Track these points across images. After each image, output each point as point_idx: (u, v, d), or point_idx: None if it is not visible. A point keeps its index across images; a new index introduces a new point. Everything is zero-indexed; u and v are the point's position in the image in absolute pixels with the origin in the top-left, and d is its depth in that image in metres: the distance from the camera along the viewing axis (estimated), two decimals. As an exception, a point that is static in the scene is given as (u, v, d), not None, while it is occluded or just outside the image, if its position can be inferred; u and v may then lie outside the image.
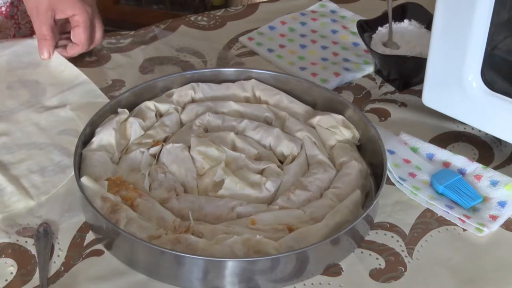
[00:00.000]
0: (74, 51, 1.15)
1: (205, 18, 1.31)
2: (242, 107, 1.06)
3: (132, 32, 1.26)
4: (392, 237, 0.92)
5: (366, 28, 1.21)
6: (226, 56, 1.23)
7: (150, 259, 0.85)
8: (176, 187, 0.94)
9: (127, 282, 0.85)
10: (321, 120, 1.04)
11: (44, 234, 0.89)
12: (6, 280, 0.84)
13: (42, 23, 1.12)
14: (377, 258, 0.89)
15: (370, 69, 1.20)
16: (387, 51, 1.17)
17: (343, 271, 0.88)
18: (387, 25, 1.20)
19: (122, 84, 1.14)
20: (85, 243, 0.89)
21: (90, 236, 0.90)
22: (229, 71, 1.11)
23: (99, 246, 0.89)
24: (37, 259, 0.86)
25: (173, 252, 0.83)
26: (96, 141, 0.97)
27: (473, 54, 0.97)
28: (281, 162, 1.00)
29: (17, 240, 0.89)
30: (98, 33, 1.17)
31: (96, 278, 0.85)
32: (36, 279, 0.84)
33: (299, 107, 1.07)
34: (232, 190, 0.93)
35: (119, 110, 1.01)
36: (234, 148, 1.00)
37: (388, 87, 1.17)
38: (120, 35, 1.25)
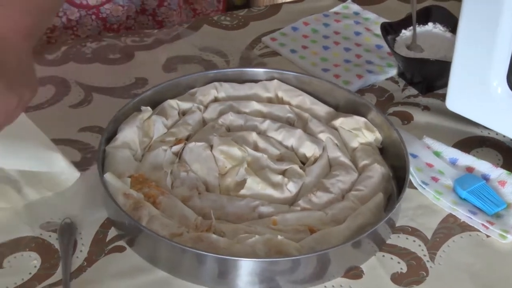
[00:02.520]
0: None
1: (228, 18, 1.32)
2: (264, 107, 1.07)
3: (155, 31, 1.27)
4: (414, 241, 0.92)
5: (390, 30, 1.21)
6: (249, 56, 1.23)
7: (172, 256, 0.86)
8: (198, 185, 0.95)
9: (149, 279, 0.86)
10: (344, 122, 1.05)
11: (68, 229, 0.90)
12: (30, 273, 0.85)
13: None
14: (399, 262, 0.89)
15: (393, 72, 1.21)
16: (411, 54, 1.17)
17: (364, 274, 0.88)
18: (411, 28, 1.20)
19: (145, 82, 1.15)
20: (107, 239, 0.90)
21: (112, 232, 0.91)
22: (252, 71, 1.12)
23: (121, 243, 0.90)
24: (60, 253, 0.88)
25: (195, 251, 0.83)
26: (119, 138, 0.98)
27: (499, 59, 0.97)
28: (303, 163, 1.01)
29: (41, 234, 0.90)
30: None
31: (118, 274, 0.86)
32: (59, 273, 0.85)
33: (322, 109, 1.08)
34: (254, 190, 0.94)
35: (143, 108, 1.02)
36: (256, 148, 1.00)
37: (411, 90, 1.17)
38: (144, 33, 1.26)
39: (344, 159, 1.00)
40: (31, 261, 0.87)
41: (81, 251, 0.89)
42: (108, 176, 0.91)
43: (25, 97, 0.83)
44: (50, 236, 0.90)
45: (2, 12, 0.84)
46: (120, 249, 0.89)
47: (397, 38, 1.21)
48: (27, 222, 0.91)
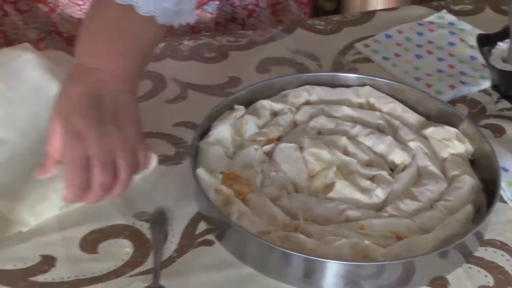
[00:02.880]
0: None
1: (322, 23, 1.33)
2: (355, 112, 1.08)
3: (250, 32, 1.29)
4: (502, 255, 0.91)
5: (486, 42, 1.20)
6: (341, 61, 1.24)
7: (259, 254, 0.88)
8: (287, 186, 0.96)
9: (236, 274, 0.88)
10: (435, 131, 1.04)
11: (160, 220, 0.92)
12: (123, 260, 0.88)
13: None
14: (486, 276, 0.89)
15: (486, 84, 1.20)
16: (507, 67, 1.15)
17: (449, 284, 0.88)
18: (508, 40, 1.19)
19: (238, 81, 1.17)
20: (197, 232, 0.92)
21: (202, 226, 0.93)
22: (345, 76, 1.12)
23: (210, 237, 0.92)
24: (151, 243, 0.90)
25: (282, 249, 0.84)
26: (212, 135, 1.00)
27: None
28: (392, 170, 1.01)
29: (134, 223, 0.93)
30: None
31: (207, 267, 0.88)
32: (150, 262, 0.88)
33: (413, 117, 1.08)
34: (342, 194, 0.95)
35: (236, 106, 1.04)
36: (346, 152, 1.01)
37: (505, 104, 1.16)
38: (239, 34, 1.28)
39: (433, 168, 0.99)
40: (124, 248, 0.90)
41: (171, 242, 0.91)
42: (200, 172, 0.93)
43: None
44: (142, 225, 0.93)
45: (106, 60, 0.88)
46: (209, 243, 0.91)
47: (493, 50, 1.19)
48: (122, 211, 0.94)
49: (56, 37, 1.34)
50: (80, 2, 1.28)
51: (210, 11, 1.33)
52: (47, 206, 0.93)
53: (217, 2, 1.32)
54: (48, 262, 0.87)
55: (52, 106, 0.86)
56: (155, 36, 0.93)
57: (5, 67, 1.09)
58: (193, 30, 1.35)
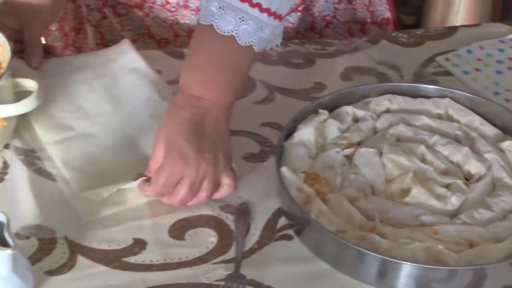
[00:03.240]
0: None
1: (405, 36, 1.33)
2: (434, 122, 1.08)
3: (336, 41, 1.30)
4: None
5: None
6: (422, 73, 1.24)
7: (336, 251, 0.90)
8: (365, 188, 0.97)
9: (312, 269, 0.90)
10: (511, 145, 1.04)
11: (244, 213, 0.95)
12: (207, 248, 0.91)
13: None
14: (557, 287, 0.88)
15: None
16: None
17: (519, 293, 0.88)
18: None
19: (323, 87, 1.19)
20: (277, 227, 0.95)
21: (282, 221, 0.95)
22: (425, 87, 1.13)
23: (290, 232, 0.94)
24: (235, 234, 0.93)
25: (358, 248, 0.86)
26: (297, 136, 1.02)
27: None
28: (467, 180, 1.01)
29: (219, 215, 0.96)
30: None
31: (285, 260, 0.90)
32: (232, 251, 0.91)
33: (490, 130, 1.08)
34: (418, 199, 0.96)
35: (320, 111, 1.06)
36: (423, 160, 1.02)
37: None
38: (326, 43, 1.29)
39: (509, 180, 0.99)
40: (209, 237, 0.93)
41: (253, 234, 0.93)
42: (284, 170, 0.96)
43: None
44: (226, 217, 0.95)
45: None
46: (288, 238, 0.93)
47: None
48: (209, 202, 0.96)
49: (148, 39, 1.39)
50: (173, 9, 1.32)
51: (292, 21, 1.34)
52: (138, 194, 0.96)
53: (299, 14, 1.34)
54: (139, 245, 0.91)
55: (160, 126, 0.94)
56: (252, 63, 0.98)
57: (104, 67, 1.14)
58: None
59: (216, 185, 0.94)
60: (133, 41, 1.38)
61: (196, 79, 0.95)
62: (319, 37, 1.39)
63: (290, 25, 1.34)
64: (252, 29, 0.91)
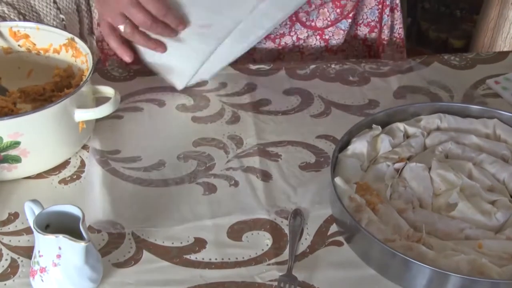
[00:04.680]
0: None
1: (457, 58, 1.29)
2: (482, 141, 1.04)
3: (391, 62, 1.27)
4: None
5: None
6: (472, 94, 1.20)
7: (383, 258, 0.86)
8: (413, 200, 0.94)
9: (360, 274, 0.87)
10: (557, 166, 0.99)
11: (297, 218, 0.93)
12: (262, 250, 0.89)
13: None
14: None
15: None
16: None
17: (560, 309, 0.83)
18: None
19: (377, 104, 1.16)
20: (328, 233, 0.92)
21: (333, 228, 0.93)
22: (475, 108, 1.08)
23: (340, 238, 0.91)
24: (288, 238, 0.91)
25: (405, 257, 0.83)
26: (351, 149, 1.00)
27: None
28: (512, 198, 0.97)
29: (275, 219, 0.93)
30: None
31: (335, 265, 0.88)
32: (285, 254, 0.88)
33: (537, 151, 1.03)
34: (464, 214, 0.92)
35: (374, 126, 1.03)
36: (470, 176, 0.98)
37: None
38: (381, 63, 1.26)
39: (553, 200, 0.94)
40: (265, 240, 0.91)
41: (305, 239, 0.91)
42: (338, 180, 0.93)
43: None
44: (281, 221, 0.93)
45: None
46: (338, 244, 0.91)
47: None
48: (265, 207, 0.95)
49: None
50: None
51: (343, 28, 1.32)
52: None
53: (349, 20, 1.31)
54: (200, 244, 0.90)
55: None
56: None
57: None
58: (326, 46, 1.34)
59: None
60: None
61: None
62: (362, 43, 1.36)
63: (341, 31, 1.31)
64: None
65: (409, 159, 1.01)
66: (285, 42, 1.32)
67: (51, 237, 0.77)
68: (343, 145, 1.00)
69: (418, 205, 0.94)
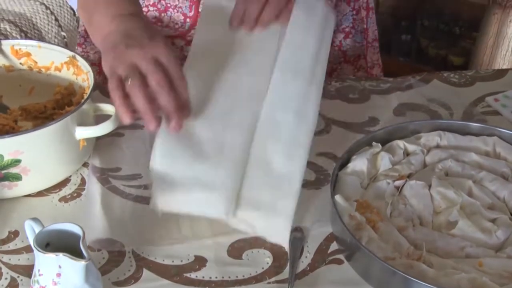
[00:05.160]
0: None
1: (456, 76, 1.29)
2: (482, 159, 1.04)
3: (391, 79, 1.27)
4: None
5: None
6: (471, 111, 1.20)
7: (384, 276, 0.86)
8: (413, 218, 0.94)
9: (361, 293, 0.87)
10: (558, 184, 0.99)
11: (298, 237, 0.92)
12: (263, 268, 0.89)
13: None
14: None
15: None
16: None
17: (561, 328, 0.82)
18: None
19: (376, 121, 1.16)
20: (329, 251, 0.92)
21: (334, 245, 0.93)
22: (475, 125, 1.08)
23: (340, 256, 0.91)
24: (289, 256, 0.90)
25: (405, 275, 0.82)
26: (351, 166, 0.99)
27: None
28: (512, 216, 0.97)
29: (275, 237, 0.93)
30: None
31: (335, 283, 0.87)
32: (286, 272, 0.88)
33: (537, 168, 1.03)
34: (464, 232, 0.91)
35: (374, 143, 1.03)
36: (470, 194, 0.97)
37: None
38: (381, 80, 1.27)
39: (554, 218, 0.94)
40: (265, 258, 0.90)
41: (306, 257, 0.91)
42: (338, 198, 0.93)
43: None
44: (282, 239, 0.93)
45: None
46: (339, 262, 0.90)
47: None
48: (266, 225, 0.94)
49: None
50: None
51: (359, 41, 1.32)
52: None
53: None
54: (200, 262, 0.89)
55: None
56: None
57: None
58: (344, 58, 1.34)
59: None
60: None
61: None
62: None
63: (357, 45, 1.31)
64: None
65: (409, 176, 1.01)
66: None
67: (51, 256, 0.77)
68: (343, 162, 1.00)
69: (418, 223, 0.94)
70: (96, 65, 1.22)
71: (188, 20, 1.26)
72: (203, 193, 0.89)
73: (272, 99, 0.97)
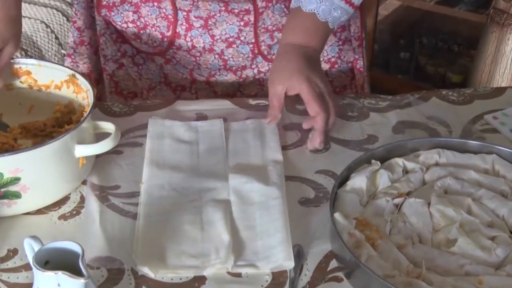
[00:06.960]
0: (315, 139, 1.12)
1: (455, 94, 1.30)
2: (481, 177, 1.04)
3: (390, 97, 1.28)
4: None
5: None
6: (470, 129, 1.20)
7: (383, 294, 0.86)
8: (413, 236, 0.94)
9: (360, 311, 0.86)
10: (556, 201, 0.99)
11: (297, 254, 0.92)
12: (262, 286, 0.89)
13: (273, 94, 1.12)
14: None
15: None
16: None
17: None
18: None
19: (375, 139, 1.16)
20: (328, 269, 0.92)
21: (333, 263, 0.93)
22: (474, 143, 1.09)
23: (340, 274, 0.91)
24: (288, 274, 0.90)
25: (405, 293, 0.83)
26: (350, 184, 1.00)
27: None
28: (512, 233, 0.97)
29: (274, 255, 0.93)
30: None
31: (334, 301, 0.87)
32: (285, 290, 0.88)
33: (535, 186, 1.03)
34: (464, 249, 0.91)
35: (373, 161, 1.03)
36: (469, 212, 0.98)
37: None
38: (380, 98, 1.27)
39: (553, 236, 0.94)
40: (264, 276, 0.90)
41: (305, 274, 0.91)
42: (337, 215, 0.93)
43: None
44: (281, 257, 0.93)
45: None
46: (338, 280, 0.90)
47: None
48: (265, 242, 0.95)
49: (165, 87, 1.37)
50: (197, 54, 1.30)
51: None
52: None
53: None
54: (199, 280, 0.89)
55: (277, 66, 1.14)
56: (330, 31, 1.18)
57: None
58: None
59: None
60: (149, 90, 1.36)
61: (298, 36, 1.14)
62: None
63: None
64: (328, 9, 1.12)
65: (408, 194, 1.01)
66: (246, 75, 1.34)
67: (50, 274, 0.77)
68: (342, 180, 1.00)
69: (418, 240, 0.94)
70: (85, 75, 1.23)
71: (165, 39, 1.28)
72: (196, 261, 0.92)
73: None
